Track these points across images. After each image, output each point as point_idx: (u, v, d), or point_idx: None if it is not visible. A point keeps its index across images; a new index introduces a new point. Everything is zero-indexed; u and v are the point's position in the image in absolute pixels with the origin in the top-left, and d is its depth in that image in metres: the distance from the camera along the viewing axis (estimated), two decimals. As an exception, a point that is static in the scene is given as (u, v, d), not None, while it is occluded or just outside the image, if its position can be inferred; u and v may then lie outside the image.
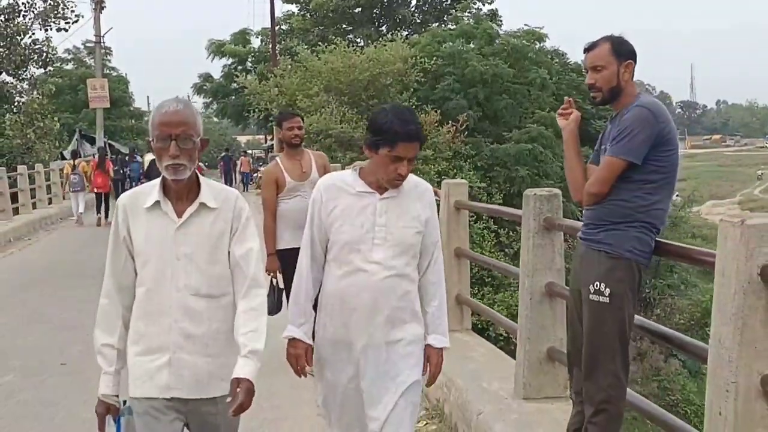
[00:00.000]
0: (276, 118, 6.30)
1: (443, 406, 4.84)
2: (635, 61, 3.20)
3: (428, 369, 3.06)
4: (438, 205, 4.74)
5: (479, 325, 7.45)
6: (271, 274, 5.84)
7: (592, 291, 3.12)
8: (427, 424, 4.82)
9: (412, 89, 22.68)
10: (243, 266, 2.62)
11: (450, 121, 21.97)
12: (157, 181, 2.62)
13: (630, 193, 3.09)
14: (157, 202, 2.59)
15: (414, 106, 21.09)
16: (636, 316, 3.26)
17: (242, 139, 78.91)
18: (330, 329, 2.96)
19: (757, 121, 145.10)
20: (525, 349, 4.28)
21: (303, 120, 6.19)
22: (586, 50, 3.27)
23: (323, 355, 3.00)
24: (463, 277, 6.09)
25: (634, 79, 3.12)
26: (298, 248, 5.49)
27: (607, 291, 3.08)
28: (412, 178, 2.97)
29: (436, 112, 21.79)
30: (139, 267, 2.62)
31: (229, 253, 2.62)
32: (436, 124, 21.33)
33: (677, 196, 32.60)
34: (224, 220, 2.61)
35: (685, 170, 74.65)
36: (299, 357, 2.99)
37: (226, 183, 28.70)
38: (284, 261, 5.64)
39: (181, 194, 2.60)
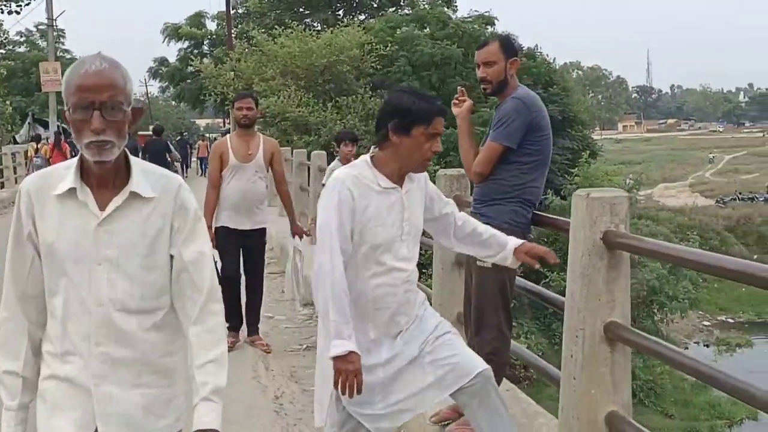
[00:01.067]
0: (233, 99, 6.59)
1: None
2: (519, 59, 3.67)
3: (532, 264, 3.02)
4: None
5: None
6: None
7: (477, 258, 3.60)
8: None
9: (368, 75, 23.06)
10: (194, 275, 2.07)
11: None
12: (74, 160, 2.04)
13: (508, 173, 3.58)
14: (73, 189, 1.99)
15: (370, 92, 21.52)
16: (517, 278, 3.77)
17: (201, 122, 78.73)
18: (360, 330, 2.83)
19: (710, 106, 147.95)
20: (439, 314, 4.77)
21: (257, 102, 6.24)
22: (479, 47, 3.74)
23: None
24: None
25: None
26: (234, 230, 5.86)
27: None
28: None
29: (391, 96, 22.19)
30: (48, 273, 2.02)
31: (171, 257, 2.06)
32: (391, 109, 21.72)
33: (629, 178, 33.51)
34: (163, 215, 2.03)
35: (640, 154, 76.17)
36: (358, 373, 2.71)
37: (182, 168, 28.83)
38: (222, 237, 5.86)
39: (106, 180, 2.00)
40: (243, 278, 6.22)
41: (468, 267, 3.82)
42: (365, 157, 2.94)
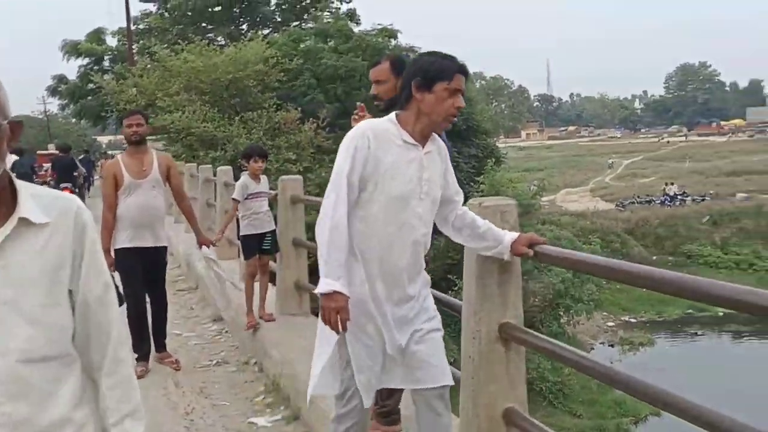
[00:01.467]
0: (119, 117, 6.51)
1: (279, 380, 5.36)
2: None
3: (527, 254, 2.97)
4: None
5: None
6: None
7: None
8: (264, 398, 5.33)
9: (273, 89, 23.02)
10: (99, 315, 1.79)
11: (311, 118, 22.46)
12: None
13: None
14: None
15: (275, 106, 21.49)
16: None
17: (103, 139, 76.79)
18: (364, 285, 2.88)
19: (608, 113, 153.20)
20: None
21: (147, 119, 6.22)
22: (372, 66, 3.87)
23: (352, 311, 2.83)
24: (301, 265, 6.62)
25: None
26: (136, 248, 5.74)
27: None
28: (436, 136, 3.02)
29: (297, 109, 22.20)
30: None
31: (70, 291, 1.74)
32: (297, 122, 21.73)
33: (533, 185, 34.42)
34: (61, 242, 1.72)
35: (543, 160, 78.13)
36: (342, 310, 2.75)
37: (86, 187, 28.04)
38: (123, 259, 5.71)
39: None
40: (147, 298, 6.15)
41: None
42: (390, 115, 2.96)
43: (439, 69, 2.85)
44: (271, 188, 6.87)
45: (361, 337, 2.90)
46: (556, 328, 25.08)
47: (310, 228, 13.91)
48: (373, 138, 2.84)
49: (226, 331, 7.27)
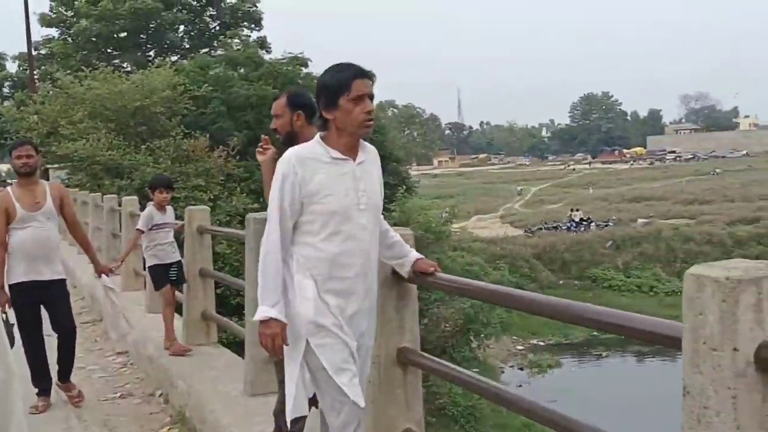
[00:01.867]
0: (8, 148, 6.21)
1: (185, 410, 5.30)
2: (308, 112, 3.76)
3: (427, 271, 3.10)
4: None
5: (233, 338, 7.94)
6: (1, 308, 5.49)
7: None
8: (170, 429, 5.27)
9: (181, 116, 22.75)
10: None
11: (220, 146, 22.24)
12: None
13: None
14: None
15: (183, 133, 21.24)
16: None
17: (2, 167, 73.99)
18: (318, 299, 2.89)
19: (517, 141, 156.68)
20: (250, 352, 4.88)
21: (37, 149, 5.93)
22: (274, 99, 3.96)
23: (302, 332, 2.88)
24: (209, 295, 6.59)
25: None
26: (34, 281, 5.53)
27: None
28: (365, 143, 3.05)
29: (206, 137, 21.97)
30: None
31: None
32: (206, 150, 21.50)
33: (444, 212, 34.89)
34: None
35: (455, 188, 79.21)
36: (276, 336, 2.84)
37: None
38: (19, 295, 5.51)
39: None
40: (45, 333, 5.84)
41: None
42: (317, 136, 2.99)
43: (336, 83, 2.88)
44: (178, 217, 6.82)
45: (326, 343, 2.88)
46: (467, 352, 25.44)
47: (219, 258, 13.69)
48: (297, 163, 2.89)
49: (132, 363, 7.15)
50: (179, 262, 6.45)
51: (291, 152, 2.95)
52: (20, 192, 5.63)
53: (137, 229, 6.49)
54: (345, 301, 2.90)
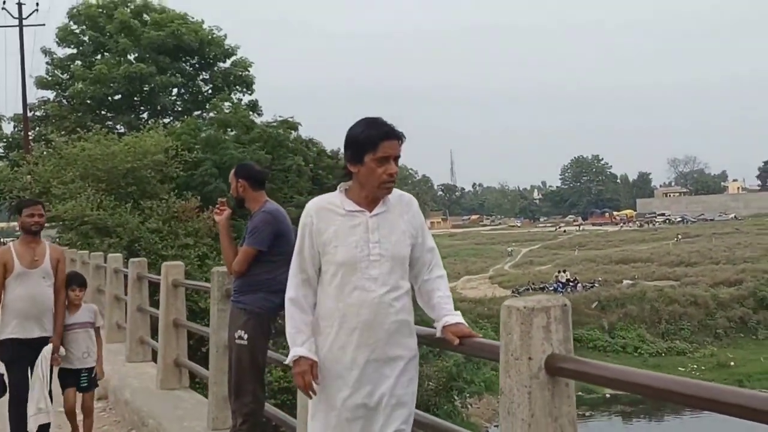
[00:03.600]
0: (16, 205, 6.47)
1: (154, 447, 5.82)
2: (250, 181, 4.60)
3: (458, 339, 2.92)
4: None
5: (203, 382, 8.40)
6: None
7: (236, 337, 4.38)
8: (140, 463, 5.77)
9: (172, 177, 23.39)
10: None
11: (210, 206, 22.81)
12: None
13: (260, 269, 4.45)
14: None
15: (175, 195, 21.87)
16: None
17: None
18: (328, 351, 2.97)
19: (509, 202, 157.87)
20: (213, 391, 5.44)
21: (44, 207, 6.14)
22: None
23: (320, 378, 2.97)
24: (181, 343, 7.16)
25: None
26: (23, 339, 5.67)
27: (246, 336, 4.34)
28: (395, 191, 3.07)
29: (196, 198, 22.58)
30: None
31: None
32: (196, 210, 22.07)
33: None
34: None
35: (445, 248, 79.53)
36: (305, 373, 2.93)
37: None
38: (7, 351, 5.63)
39: None
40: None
41: (230, 343, 4.55)
42: (340, 186, 3.08)
43: (364, 141, 2.91)
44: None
45: (321, 396, 2.98)
46: (450, 408, 25.70)
47: (203, 311, 14.07)
48: (314, 213, 3.00)
49: (110, 408, 7.64)
50: (90, 369, 6.09)
51: (312, 202, 3.06)
52: (22, 249, 5.77)
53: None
54: (353, 351, 2.93)
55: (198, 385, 7.82)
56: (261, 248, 4.40)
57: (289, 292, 3.04)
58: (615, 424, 32.92)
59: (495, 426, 31.39)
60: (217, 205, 4.74)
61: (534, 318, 2.28)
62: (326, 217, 2.98)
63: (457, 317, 2.98)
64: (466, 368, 26.30)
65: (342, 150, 3.04)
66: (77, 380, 5.96)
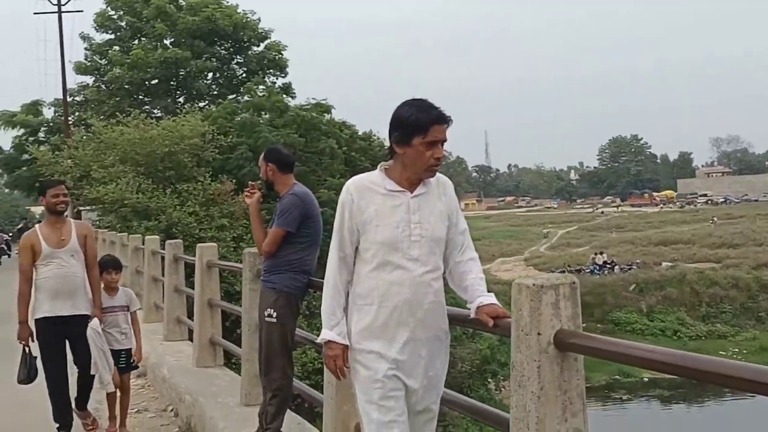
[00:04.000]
0: (39, 186, 6.33)
1: (191, 420, 6.02)
2: (278, 164, 4.70)
3: (493, 320, 2.88)
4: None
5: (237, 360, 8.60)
6: (23, 342, 5.74)
7: (265, 315, 4.52)
8: (176, 437, 5.98)
9: (208, 161, 23.70)
10: None
11: (244, 189, 23.02)
12: None
13: (288, 250, 4.56)
14: None
15: (210, 178, 22.18)
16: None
17: (36, 210, 75.96)
18: (367, 329, 2.99)
19: (545, 183, 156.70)
20: (245, 368, 5.61)
21: (67, 188, 6.14)
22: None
23: (357, 356, 3.01)
24: (216, 323, 7.35)
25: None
26: (58, 317, 5.78)
27: (275, 314, 4.48)
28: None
29: (231, 181, 22.89)
30: None
31: None
32: (231, 193, 22.39)
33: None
34: None
35: (479, 231, 79.30)
36: (337, 357, 3.00)
37: None
38: (43, 330, 5.70)
39: None
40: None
41: (260, 321, 4.69)
42: (380, 165, 3.09)
43: (414, 123, 2.92)
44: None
45: (362, 373, 3.00)
46: (483, 392, 25.80)
47: (229, 295, 14.42)
48: (354, 191, 3.01)
49: (149, 385, 7.88)
50: (128, 350, 6.14)
51: (352, 181, 3.08)
52: (47, 230, 5.83)
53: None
54: (394, 329, 2.97)
55: (234, 364, 8.01)
56: (289, 229, 4.52)
57: (328, 271, 3.08)
58: (653, 408, 32.66)
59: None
60: (247, 189, 4.86)
61: (543, 295, 2.37)
62: (367, 195, 3.00)
63: (491, 298, 2.98)
64: (500, 351, 26.36)
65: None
66: (116, 361, 5.98)
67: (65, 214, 5.99)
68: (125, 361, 6.06)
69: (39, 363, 5.77)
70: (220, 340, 7.27)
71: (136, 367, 6.34)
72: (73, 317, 5.76)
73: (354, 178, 3.10)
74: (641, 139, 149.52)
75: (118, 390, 6.04)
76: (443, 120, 2.95)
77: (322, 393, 4.16)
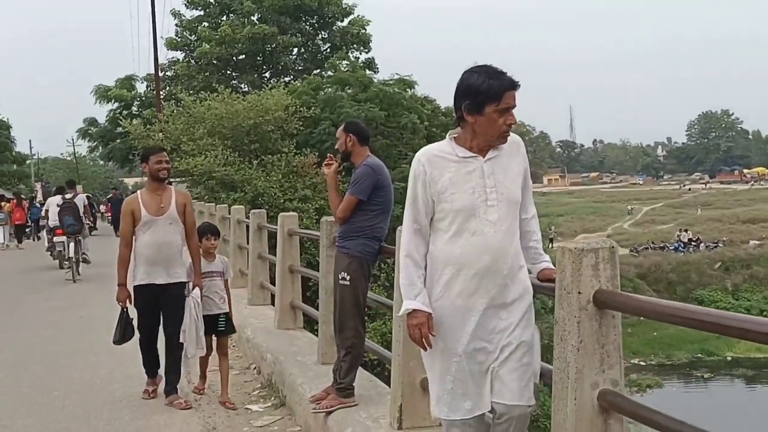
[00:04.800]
0: (142, 153, 6.47)
1: (272, 377, 6.47)
2: (358, 136, 4.97)
3: (550, 278, 3.01)
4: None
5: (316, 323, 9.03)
6: (121, 303, 6.01)
7: (339, 278, 4.88)
8: (259, 392, 6.44)
9: (292, 135, 24.29)
10: None
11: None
12: None
13: (361, 217, 4.89)
14: None
15: (294, 151, 22.77)
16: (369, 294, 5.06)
17: (129, 181, 79.06)
18: (445, 298, 2.99)
19: (630, 159, 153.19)
20: (322, 329, 6.01)
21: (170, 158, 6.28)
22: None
23: (437, 326, 2.99)
24: (296, 288, 7.82)
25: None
26: (152, 285, 6.01)
27: (348, 277, 4.83)
28: None
29: (315, 154, 23.41)
30: None
31: None
32: (314, 166, 22.91)
33: (550, 229, 34.93)
34: None
35: (563, 206, 78.59)
36: (422, 325, 2.95)
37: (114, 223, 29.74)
38: (138, 296, 5.97)
39: None
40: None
41: (334, 284, 5.05)
42: (449, 133, 3.08)
43: (486, 91, 2.89)
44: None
45: (440, 345, 3.01)
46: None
47: (310, 266, 14.87)
48: (426, 162, 3.00)
49: (234, 345, 8.39)
50: (226, 313, 6.29)
51: (421, 152, 3.06)
52: (148, 196, 6.00)
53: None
54: (473, 297, 2.96)
55: (313, 327, 8.45)
56: (362, 197, 4.84)
57: (403, 243, 3.09)
58: (737, 387, 32.04)
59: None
60: (325, 160, 5.21)
61: (584, 258, 2.63)
62: (439, 164, 2.98)
63: (549, 263, 3.13)
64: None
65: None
66: (214, 325, 6.14)
67: (167, 181, 6.17)
68: (224, 324, 6.22)
69: (135, 324, 6.11)
70: (300, 303, 7.72)
71: (234, 331, 6.51)
72: (167, 285, 5.96)
73: (423, 149, 3.10)
74: (732, 114, 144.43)
75: (216, 355, 6.26)
76: (515, 86, 2.93)
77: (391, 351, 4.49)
